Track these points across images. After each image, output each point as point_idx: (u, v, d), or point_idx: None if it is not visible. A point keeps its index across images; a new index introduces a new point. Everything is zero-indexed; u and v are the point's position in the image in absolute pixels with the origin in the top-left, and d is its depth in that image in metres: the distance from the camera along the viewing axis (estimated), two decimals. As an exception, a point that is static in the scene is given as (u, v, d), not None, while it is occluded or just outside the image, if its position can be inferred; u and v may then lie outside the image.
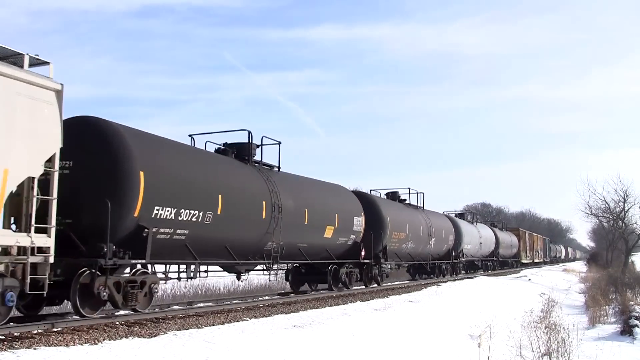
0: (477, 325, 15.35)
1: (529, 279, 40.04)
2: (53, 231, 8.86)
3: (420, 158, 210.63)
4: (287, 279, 19.34)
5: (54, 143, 8.97)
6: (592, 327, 21.81)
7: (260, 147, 15.52)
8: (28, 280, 8.49)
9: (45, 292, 8.94)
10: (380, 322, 12.96)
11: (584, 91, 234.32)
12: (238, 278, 15.52)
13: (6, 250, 8.44)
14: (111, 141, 10.36)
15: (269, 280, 16.84)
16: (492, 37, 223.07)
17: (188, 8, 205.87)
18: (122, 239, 10.24)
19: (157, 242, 10.91)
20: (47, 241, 8.79)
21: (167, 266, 12.02)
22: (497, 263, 45.95)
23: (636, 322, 19.94)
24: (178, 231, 11.38)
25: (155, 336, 8.91)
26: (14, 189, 8.34)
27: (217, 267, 14.62)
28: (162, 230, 10.98)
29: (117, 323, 10.01)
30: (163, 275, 11.93)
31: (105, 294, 9.98)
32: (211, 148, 14.76)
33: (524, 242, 58.69)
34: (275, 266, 15.22)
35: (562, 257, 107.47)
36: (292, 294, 17.82)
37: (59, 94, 9.14)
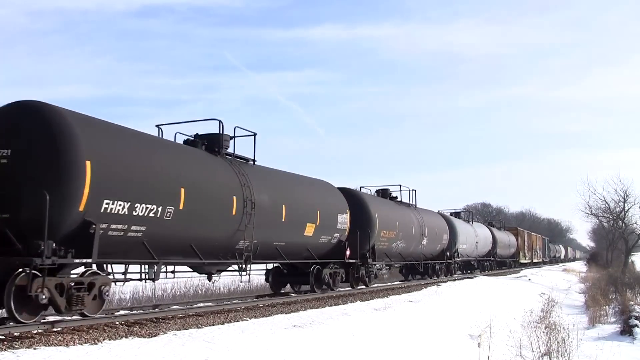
0: (477, 325, 15.35)
1: (529, 279, 40.03)
2: None
3: (421, 158, 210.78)
4: (267, 280, 18.18)
5: None
6: (592, 327, 21.82)
7: (233, 138, 14.44)
8: None
9: None
10: (380, 322, 12.96)
11: (584, 91, 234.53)
12: (209, 279, 14.34)
13: None
14: (52, 127, 9.26)
15: (240, 282, 15.41)
16: (492, 37, 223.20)
17: (188, 8, 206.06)
18: (65, 236, 9.25)
19: (109, 240, 9.87)
20: None
21: (127, 266, 11.03)
22: (494, 263, 45.02)
23: (636, 322, 19.95)
24: (133, 227, 10.32)
25: (155, 336, 8.91)
26: None
27: (185, 268, 13.61)
28: (113, 226, 9.91)
29: (117, 323, 10.01)
30: (122, 276, 10.92)
31: (44, 297, 8.92)
32: (183, 140, 13.75)
33: (523, 242, 57.84)
34: (248, 266, 14.05)
35: (562, 257, 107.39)
36: (292, 294, 17.39)
37: None
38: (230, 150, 14.33)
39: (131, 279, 11.22)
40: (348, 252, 18.60)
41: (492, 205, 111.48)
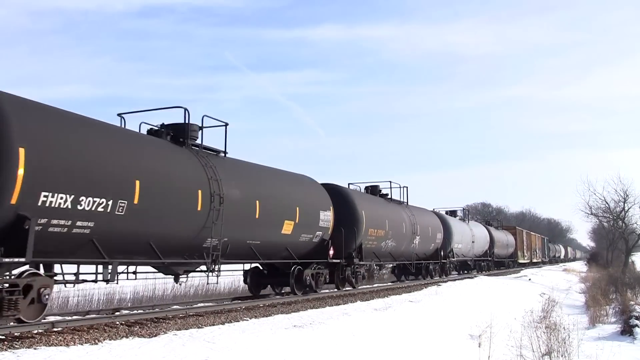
0: (477, 325, 15.35)
1: (529, 279, 40.02)
2: None
3: (420, 158, 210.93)
4: (245, 281, 17.06)
5: None
6: (593, 327, 21.83)
7: (201, 129, 13.37)
8: None
9: None
10: (380, 321, 12.96)
11: (584, 91, 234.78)
12: (176, 280, 13.25)
13: None
14: None
15: (207, 284, 14.05)
16: (492, 37, 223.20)
17: (188, 8, 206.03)
18: (-4, 233, 8.25)
19: (50, 237, 8.93)
20: None
21: (78, 266, 10.05)
22: (492, 263, 43.73)
23: (636, 322, 19.96)
24: (79, 223, 9.25)
25: (155, 336, 8.91)
26: None
27: (150, 268, 12.65)
28: (54, 221, 8.89)
29: (118, 323, 10.00)
30: (74, 278, 9.98)
31: None
32: (146, 130, 12.83)
33: (521, 242, 56.66)
34: (216, 267, 12.93)
35: (562, 257, 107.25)
36: (292, 294, 16.68)
37: None
38: (200, 141, 13.33)
39: (85, 280, 10.24)
40: (332, 252, 17.57)
41: (492, 205, 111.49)
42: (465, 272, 37.39)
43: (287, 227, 15.30)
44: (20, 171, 8.33)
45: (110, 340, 8.35)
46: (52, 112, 9.69)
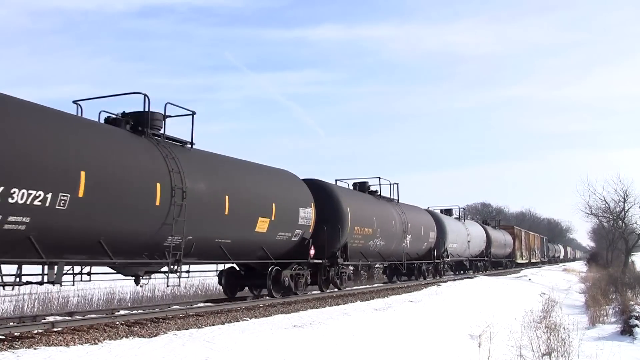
0: (477, 325, 15.35)
1: (529, 279, 40.04)
2: None
3: (421, 158, 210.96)
4: (220, 283, 16.08)
5: None
6: (593, 327, 21.84)
7: (165, 117, 12.32)
8: None
9: None
10: (380, 321, 12.96)
11: (584, 91, 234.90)
12: (136, 282, 12.12)
13: None
14: None
15: (167, 286, 12.72)
16: (492, 37, 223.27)
17: (188, 8, 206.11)
18: None
19: None
20: None
21: (20, 267, 9.23)
22: (488, 263, 42.54)
23: (636, 322, 19.96)
24: (11, 219, 8.37)
25: (155, 336, 8.90)
26: None
27: (107, 269, 11.51)
28: None
29: (118, 323, 10.00)
30: (14, 279, 9.13)
31: None
32: (104, 118, 11.80)
33: (520, 241, 55.74)
34: (177, 267, 11.78)
35: (561, 257, 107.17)
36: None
37: None
38: (163, 131, 12.29)
39: (29, 282, 9.43)
40: (312, 252, 16.51)
41: (492, 205, 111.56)
42: (462, 272, 36.70)
43: (262, 225, 14.23)
44: None
45: (110, 340, 8.34)
46: None
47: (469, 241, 35.28)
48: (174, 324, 10.29)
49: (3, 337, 8.10)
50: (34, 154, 8.78)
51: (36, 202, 8.67)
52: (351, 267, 20.13)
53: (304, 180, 17.56)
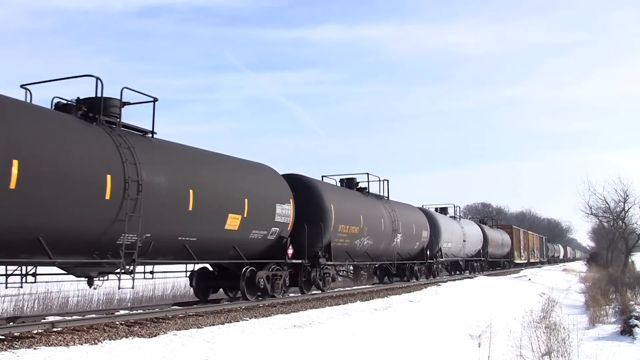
0: (477, 325, 15.35)
1: (529, 279, 40.06)
2: None
3: (421, 158, 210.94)
4: (191, 284, 15.07)
5: None
6: (592, 327, 21.85)
7: (123, 104, 11.46)
8: None
9: None
10: (380, 321, 12.96)
11: (584, 91, 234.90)
12: (90, 284, 11.06)
13: None
14: None
15: (119, 289, 11.49)
16: (492, 37, 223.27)
17: (188, 8, 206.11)
18: None
19: None
20: None
21: None
22: (485, 264, 41.14)
23: (636, 322, 19.97)
24: None
25: (155, 336, 8.91)
26: None
27: (56, 269, 10.60)
28: None
29: (117, 323, 10.00)
30: None
31: None
32: (57, 105, 10.77)
33: (518, 241, 54.28)
34: (132, 267, 10.70)
35: (561, 256, 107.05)
36: (292, 295, 16.03)
37: None
38: (120, 118, 11.29)
39: None
40: (290, 251, 15.46)
41: (492, 205, 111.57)
42: (458, 272, 35.78)
43: (233, 222, 13.21)
44: None
45: (110, 340, 8.34)
46: None
47: (464, 240, 34.10)
48: (174, 324, 10.29)
49: (3, 337, 8.11)
50: None
51: None
52: (336, 268, 19.11)
53: (284, 175, 16.63)
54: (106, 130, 10.62)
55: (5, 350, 7.23)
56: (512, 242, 50.73)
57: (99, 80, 10.81)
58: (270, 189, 15.07)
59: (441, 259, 29.66)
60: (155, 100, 12.03)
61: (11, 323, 9.00)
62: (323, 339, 10.19)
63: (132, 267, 10.72)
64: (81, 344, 7.92)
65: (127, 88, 11.41)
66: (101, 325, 9.61)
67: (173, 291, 20.45)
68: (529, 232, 67.83)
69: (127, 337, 8.69)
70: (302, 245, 16.02)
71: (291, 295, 16.47)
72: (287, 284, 15.98)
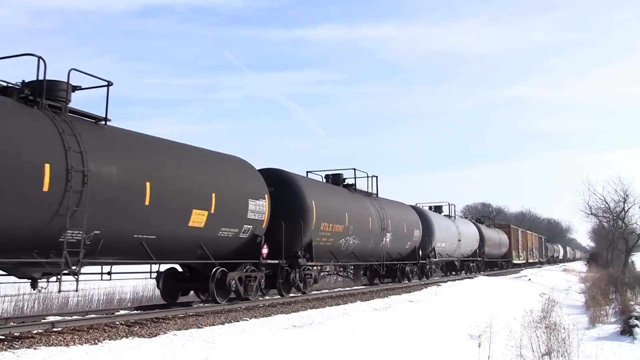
0: (477, 325, 15.35)
1: (529, 279, 40.07)
2: None
3: (421, 158, 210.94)
4: (158, 286, 14.03)
5: None
6: (592, 327, 21.86)
7: (74, 89, 10.59)
8: None
9: None
10: (380, 321, 12.96)
11: (584, 91, 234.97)
12: (33, 287, 9.96)
13: None
14: None
15: (59, 292, 10.53)
16: (492, 37, 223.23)
17: (188, 8, 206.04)
18: None
19: None
20: None
21: None
22: (482, 264, 39.97)
23: (636, 322, 19.98)
24: None
25: (155, 336, 8.91)
26: None
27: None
28: None
29: (117, 323, 10.00)
30: None
31: None
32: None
33: (516, 241, 53.24)
34: (76, 268, 9.54)
35: (560, 257, 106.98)
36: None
37: None
38: (68, 103, 10.29)
39: None
40: (265, 250, 14.43)
41: (492, 205, 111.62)
42: (454, 273, 35.04)
43: (198, 219, 12.19)
44: None
45: (110, 340, 8.35)
46: None
47: (459, 240, 32.99)
48: (174, 324, 10.29)
49: (3, 337, 8.11)
50: None
51: None
52: (317, 268, 17.91)
53: (262, 169, 15.74)
54: (48, 115, 9.61)
55: (5, 350, 7.23)
56: (510, 242, 49.99)
57: (41, 60, 9.86)
58: (242, 184, 14.00)
59: (434, 259, 28.71)
60: (109, 84, 10.96)
61: (11, 323, 8.99)
62: (323, 339, 10.19)
63: (78, 268, 9.58)
64: (81, 344, 7.92)
65: (75, 70, 10.37)
66: (101, 325, 9.61)
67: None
68: (528, 231, 67.15)
69: (127, 337, 8.69)
70: (277, 245, 14.99)
71: (291, 295, 16.35)
72: (263, 286, 15.02)
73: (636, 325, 19.63)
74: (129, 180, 10.51)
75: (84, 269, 10.19)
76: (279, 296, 15.89)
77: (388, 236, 21.92)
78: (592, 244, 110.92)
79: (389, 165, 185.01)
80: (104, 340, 8.30)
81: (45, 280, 9.90)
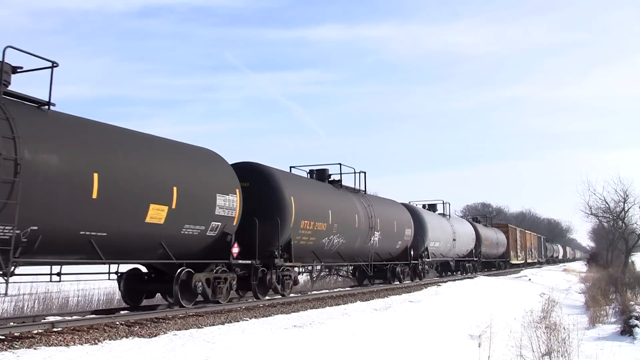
0: (477, 325, 15.36)
1: (529, 279, 40.07)
2: None
3: (421, 158, 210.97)
4: (119, 288, 12.99)
5: None
6: (592, 327, 21.88)
7: (15, 70, 9.72)
8: None
9: None
10: (380, 321, 12.96)
11: (584, 91, 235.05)
12: None
13: None
14: None
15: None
16: (492, 37, 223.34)
17: (188, 8, 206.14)
18: None
19: None
20: None
21: None
22: (478, 264, 38.83)
23: (636, 322, 19.99)
24: None
25: (155, 336, 8.90)
26: None
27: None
28: None
29: (117, 323, 10.00)
30: None
31: None
32: None
33: (514, 240, 52.16)
34: (11, 268, 8.57)
35: (560, 257, 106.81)
36: (293, 295, 15.16)
37: None
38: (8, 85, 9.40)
39: None
40: (236, 250, 13.39)
41: (492, 205, 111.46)
42: (449, 273, 34.11)
43: (157, 214, 11.08)
44: None
45: (110, 340, 8.34)
46: None
47: (454, 239, 31.83)
48: (174, 324, 10.28)
49: (3, 337, 8.10)
50: None
51: None
52: (298, 269, 17.00)
53: (236, 163, 14.87)
54: None
55: (5, 350, 7.23)
56: (508, 242, 48.98)
57: None
58: (209, 177, 12.90)
59: (428, 260, 27.59)
60: (53, 65, 9.96)
61: (11, 323, 8.98)
62: (323, 339, 10.19)
63: (9, 268, 8.50)
64: (81, 344, 7.92)
65: (12, 47, 9.35)
66: (101, 325, 9.60)
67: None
68: (527, 231, 66.07)
69: (127, 337, 8.69)
70: (250, 244, 13.97)
71: (292, 295, 16.29)
72: (235, 288, 13.96)
73: (636, 325, 19.64)
74: (73, 171, 9.43)
75: (28, 269, 9.60)
76: (255, 299, 14.93)
77: (377, 235, 20.94)
78: (592, 244, 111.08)
79: (389, 165, 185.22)
80: (104, 340, 8.30)
81: None
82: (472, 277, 32.30)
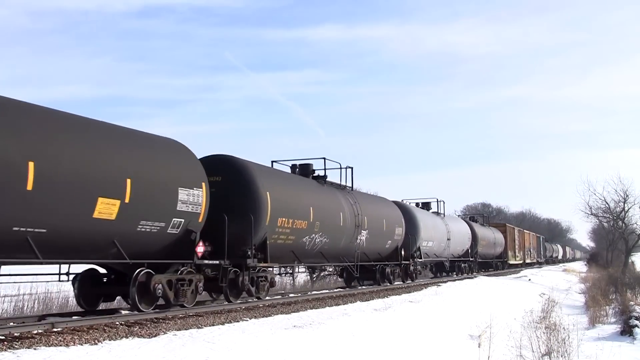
0: (477, 325, 15.36)
1: (529, 279, 40.09)
2: None
3: (421, 158, 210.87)
4: (74, 290, 11.94)
5: None
6: (592, 327, 21.90)
7: None
8: None
9: None
10: (380, 322, 12.96)
11: (584, 91, 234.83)
12: None
13: None
14: None
15: None
16: (492, 37, 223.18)
17: (189, 8, 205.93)
18: None
19: None
20: None
21: None
22: (474, 265, 37.60)
23: (636, 322, 20.00)
24: None
25: (155, 336, 8.91)
26: None
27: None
28: None
29: (117, 323, 10.00)
30: None
31: None
32: None
33: (512, 240, 50.90)
34: None
35: (560, 257, 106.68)
36: (292, 294, 15.16)
37: None
38: None
39: None
40: (201, 249, 12.44)
41: (492, 206, 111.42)
42: (445, 274, 33.26)
43: (106, 209, 9.89)
44: None
45: (110, 340, 8.35)
46: None
47: (449, 239, 30.57)
48: (174, 324, 10.29)
49: (3, 337, 8.11)
50: None
51: None
52: (276, 270, 16.02)
53: (208, 156, 14.05)
54: None
55: (5, 350, 7.23)
56: (505, 242, 47.67)
57: None
58: (170, 169, 11.70)
59: (420, 260, 26.28)
60: None
61: (11, 323, 8.99)
62: (323, 339, 10.19)
63: None
64: (81, 344, 7.92)
65: None
66: (101, 325, 9.61)
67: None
68: (525, 231, 64.79)
69: (127, 337, 8.69)
70: (219, 243, 12.97)
71: (291, 295, 16.25)
72: (201, 290, 12.81)
73: (636, 326, 19.65)
74: (3, 159, 8.32)
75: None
76: (226, 302, 13.85)
77: (364, 234, 19.70)
78: (592, 244, 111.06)
79: (389, 165, 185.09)
80: (104, 340, 8.30)
81: None
82: (472, 278, 32.32)
